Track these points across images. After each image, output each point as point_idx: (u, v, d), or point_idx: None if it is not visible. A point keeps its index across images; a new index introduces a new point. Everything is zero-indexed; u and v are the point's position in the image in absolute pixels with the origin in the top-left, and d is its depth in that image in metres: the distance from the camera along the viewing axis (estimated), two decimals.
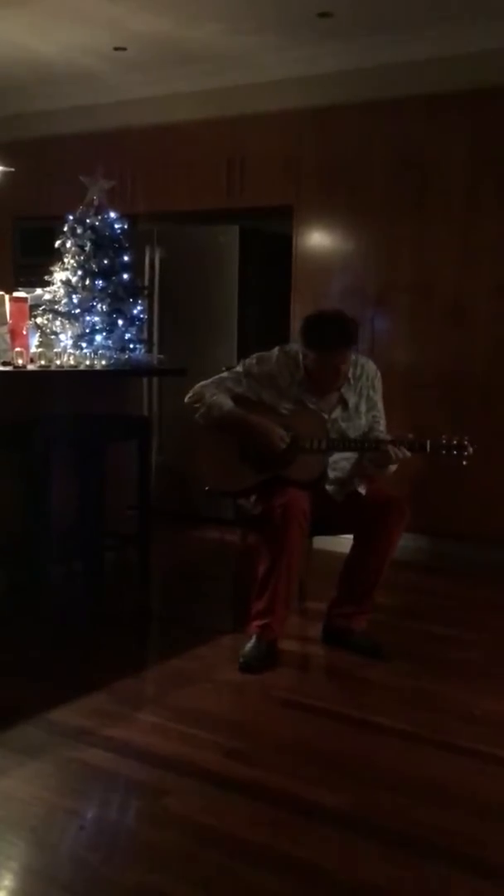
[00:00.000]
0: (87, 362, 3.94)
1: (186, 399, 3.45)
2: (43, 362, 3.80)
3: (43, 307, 4.15)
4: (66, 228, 4.19)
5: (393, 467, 3.32)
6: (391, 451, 3.21)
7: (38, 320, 4.10)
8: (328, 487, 3.36)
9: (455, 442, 3.22)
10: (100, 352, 4.06)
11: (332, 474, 3.36)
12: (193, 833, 2.14)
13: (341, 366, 3.29)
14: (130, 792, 2.35)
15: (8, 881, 1.95)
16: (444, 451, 3.22)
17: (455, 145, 4.67)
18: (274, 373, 3.38)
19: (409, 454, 3.22)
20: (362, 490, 3.38)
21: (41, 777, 2.38)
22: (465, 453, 3.20)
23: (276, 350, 3.44)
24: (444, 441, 3.23)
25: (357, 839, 2.14)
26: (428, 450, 3.23)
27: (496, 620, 3.87)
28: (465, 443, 3.21)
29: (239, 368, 3.46)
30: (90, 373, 3.96)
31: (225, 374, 3.46)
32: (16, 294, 3.95)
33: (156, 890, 1.92)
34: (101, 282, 4.12)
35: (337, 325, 3.27)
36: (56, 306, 4.14)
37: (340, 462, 3.37)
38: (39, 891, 1.92)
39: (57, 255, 4.21)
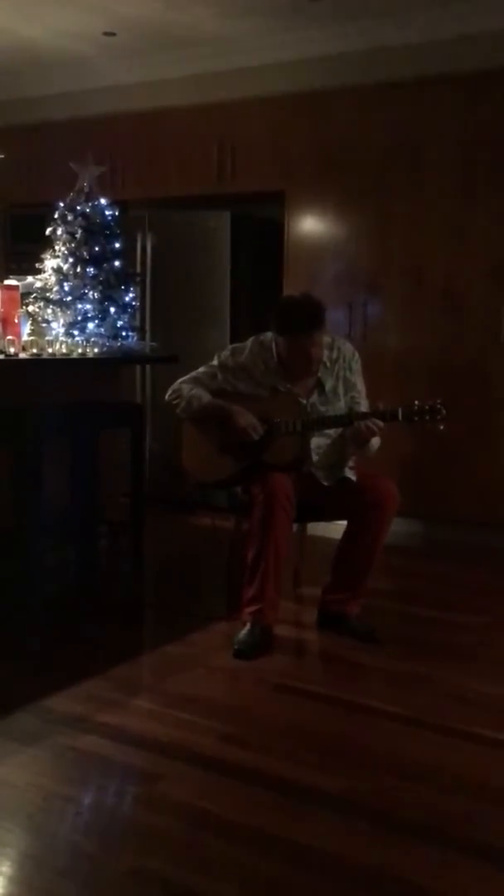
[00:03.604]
0: (80, 350, 3.94)
1: (167, 397, 3.51)
2: (35, 350, 3.79)
3: (34, 295, 4.13)
4: (56, 216, 4.17)
5: (376, 444, 3.29)
6: (361, 425, 3.18)
7: (30, 308, 4.09)
8: (316, 473, 3.36)
9: (427, 406, 3.14)
10: (92, 339, 4.04)
11: (317, 459, 3.36)
12: (189, 818, 2.15)
13: (311, 349, 3.29)
14: (126, 778, 2.36)
15: (5, 868, 1.95)
16: (416, 418, 3.16)
17: (446, 129, 4.66)
18: (248, 363, 3.42)
19: (381, 424, 3.18)
20: (352, 476, 3.37)
21: (37, 764, 2.39)
22: (439, 416, 3.13)
23: (250, 340, 3.47)
24: (416, 407, 3.16)
25: (354, 822, 2.15)
26: (400, 418, 3.17)
27: (490, 603, 3.88)
28: (438, 405, 3.13)
29: (214, 362, 3.50)
30: (82, 361, 3.95)
31: (201, 370, 3.50)
32: (7, 282, 3.94)
33: (152, 874, 1.93)
34: (92, 269, 4.10)
35: (304, 309, 3.28)
36: (47, 294, 4.12)
37: (324, 447, 3.37)
38: (36, 877, 1.93)
39: (48, 243, 4.19)
